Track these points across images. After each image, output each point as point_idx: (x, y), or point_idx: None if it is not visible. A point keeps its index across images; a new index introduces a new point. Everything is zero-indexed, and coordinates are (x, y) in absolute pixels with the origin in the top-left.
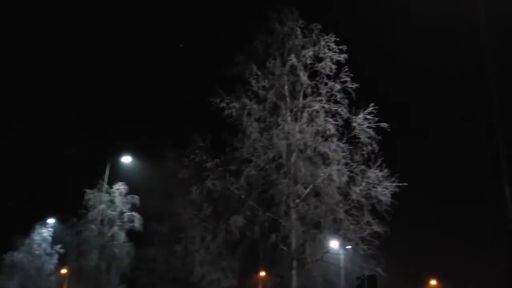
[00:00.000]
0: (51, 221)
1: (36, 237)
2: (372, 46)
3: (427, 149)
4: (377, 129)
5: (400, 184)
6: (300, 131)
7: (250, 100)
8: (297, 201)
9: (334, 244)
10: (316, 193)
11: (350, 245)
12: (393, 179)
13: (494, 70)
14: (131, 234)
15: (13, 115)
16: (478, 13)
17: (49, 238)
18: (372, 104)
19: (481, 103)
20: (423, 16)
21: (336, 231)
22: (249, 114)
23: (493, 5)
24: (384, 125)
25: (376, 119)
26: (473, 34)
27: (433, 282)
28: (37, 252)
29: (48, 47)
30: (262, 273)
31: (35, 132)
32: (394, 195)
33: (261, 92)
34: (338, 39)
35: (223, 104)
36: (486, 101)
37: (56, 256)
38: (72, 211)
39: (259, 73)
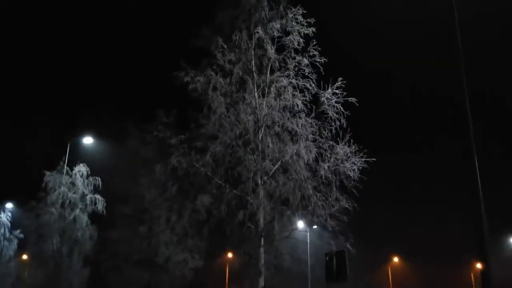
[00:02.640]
0: (9, 205)
1: None
2: (342, 19)
3: (398, 126)
4: (346, 104)
5: (369, 159)
6: (268, 107)
7: (216, 74)
8: (265, 178)
9: (300, 223)
10: (284, 170)
11: (319, 223)
12: (361, 154)
13: (463, 45)
14: (94, 216)
15: None
16: None
17: (8, 223)
18: (340, 79)
19: (452, 82)
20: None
21: (305, 208)
22: (214, 88)
23: None
24: (353, 99)
25: (345, 93)
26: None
27: (395, 259)
28: None
29: (12, 26)
30: (230, 255)
31: None
32: (362, 170)
33: (227, 66)
34: (305, 11)
35: (187, 79)
36: (457, 79)
37: (15, 242)
38: (31, 194)
39: (225, 47)
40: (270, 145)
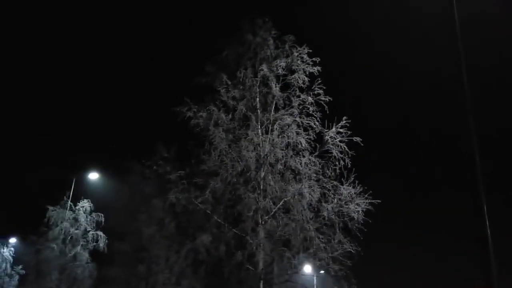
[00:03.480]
0: (12, 240)
1: None
2: (347, 59)
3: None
4: (350, 144)
5: (374, 201)
6: (271, 144)
7: (219, 110)
8: (266, 217)
9: (307, 268)
10: (286, 210)
11: (321, 267)
12: (366, 196)
13: (469, 87)
14: (95, 253)
15: None
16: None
17: (10, 258)
18: (345, 118)
19: (457, 116)
20: (399, 33)
21: (306, 250)
22: (216, 124)
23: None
24: (358, 139)
25: (349, 133)
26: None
27: None
28: None
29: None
30: None
31: None
32: (367, 213)
33: (231, 103)
34: (311, 50)
35: (190, 114)
36: (461, 113)
37: (16, 278)
38: (34, 229)
39: (229, 83)
40: (272, 183)
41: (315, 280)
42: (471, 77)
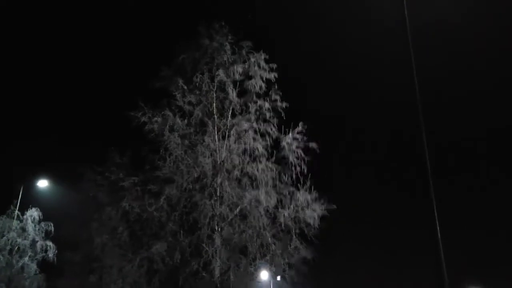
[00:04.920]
0: None
1: None
2: (304, 66)
3: (361, 172)
4: (306, 149)
5: (329, 207)
6: (228, 150)
7: (174, 116)
8: (222, 224)
9: (264, 275)
10: (243, 216)
11: (278, 273)
12: (321, 201)
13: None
14: (44, 264)
15: None
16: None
17: None
18: (301, 123)
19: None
20: (356, 37)
21: (263, 257)
22: (172, 130)
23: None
24: (314, 145)
25: (306, 138)
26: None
27: None
28: None
29: None
30: None
31: None
32: (323, 218)
33: (187, 108)
34: (268, 57)
35: (144, 119)
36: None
37: None
38: None
39: (186, 88)
40: (229, 190)
41: (271, 287)
42: (423, 86)
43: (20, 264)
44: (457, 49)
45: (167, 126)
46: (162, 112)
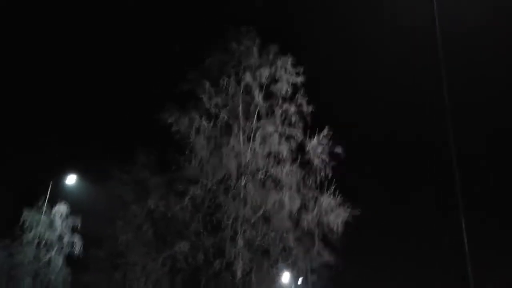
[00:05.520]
0: None
1: None
2: (330, 70)
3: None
4: (331, 154)
5: (354, 211)
6: (252, 153)
7: (201, 118)
8: (245, 226)
9: (285, 277)
10: (266, 219)
11: (300, 277)
12: (346, 206)
13: (450, 99)
14: (70, 259)
15: None
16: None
17: None
18: (326, 128)
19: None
20: (383, 43)
21: (285, 260)
22: (198, 131)
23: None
24: (339, 150)
25: (331, 143)
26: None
27: None
28: None
29: None
30: None
31: None
32: (347, 224)
33: (213, 110)
34: (295, 61)
35: (171, 120)
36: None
37: None
38: (8, 233)
39: (212, 91)
40: (253, 192)
41: None
42: (452, 94)
43: (47, 257)
44: (486, 53)
45: (193, 128)
46: (189, 114)
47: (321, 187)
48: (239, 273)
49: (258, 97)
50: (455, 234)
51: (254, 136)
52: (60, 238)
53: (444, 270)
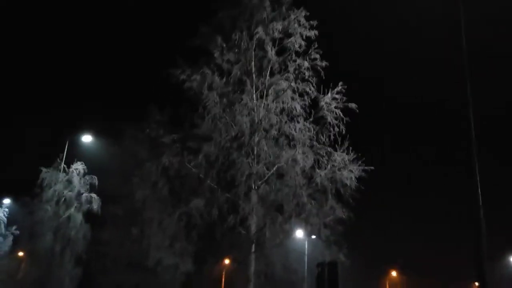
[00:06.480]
0: (6, 201)
1: None
2: (345, 24)
3: (399, 135)
4: (345, 110)
5: (367, 168)
6: (265, 109)
7: (213, 74)
8: (259, 182)
9: (299, 233)
10: (279, 175)
11: (313, 232)
12: (359, 162)
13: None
14: (88, 216)
15: None
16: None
17: (4, 219)
18: (341, 83)
19: (453, 87)
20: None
21: (298, 215)
22: (210, 88)
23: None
24: (353, 105)
25: (345, 99)
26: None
27: (393, 273)
28: None
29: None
30: (227, 261)
31: None
32: (360, 179)
33: (226, 66)
34: (308, 13)
35: (183, 77)
36: (459, 84)
37: (11, 238)
38: (28, 190)
39: (224, 46)
40: (266, 148)
41: (306, 245)
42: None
43: (66, 214)
44: None
45: (206, 84)
46: (201, 70)
47: (334, 144)
48: (253, 228)
49: (271, 52)
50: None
51: (267, 92)
52: (79, 195)
53: (459, 231)
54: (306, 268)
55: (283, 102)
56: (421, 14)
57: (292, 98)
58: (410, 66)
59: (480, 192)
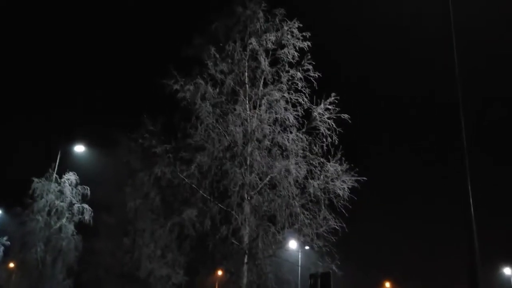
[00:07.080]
0: None
1: None
2: (338, 35)
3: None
4: (338, 121)
5: (360, 178)
6: (258, 119)
7: (206, 84)
8: (252, 192)
9: (292, 243)
10: (272, 186)
11: (306, 243)
12: (352, 173)
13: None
14: (80, 226)
15: None
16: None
17: None
18: (333, 94)
19: (446, 89)
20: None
21: (291, 226)
22: (204, 98)
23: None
24: (346, 116)
25: (338, 109)
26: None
27: (387, 284)
28: None
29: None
30: (219, 272)
31: None
32: (352, 190)
33: (219, 76)
34: (301, 25)
35: (176, 86)
36: (451, 86)
37: (1, 249)
38: (19, 201)
39: (218, 56)
40: (259, 159)
41: (299, 256)
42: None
43: (58, 225)
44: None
45: (199, 94)
46: (194, 81)
47: (327, 154)
48: (246, 239)
49: (264, 62)
50: (462, 200)
51: (260, 102)
52: (70, 206)
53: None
54: (299, 279)
55: (276, 113)
56: (414, 15)
57: (285, 109)
58: (404, 67)
59: (471, 195)
